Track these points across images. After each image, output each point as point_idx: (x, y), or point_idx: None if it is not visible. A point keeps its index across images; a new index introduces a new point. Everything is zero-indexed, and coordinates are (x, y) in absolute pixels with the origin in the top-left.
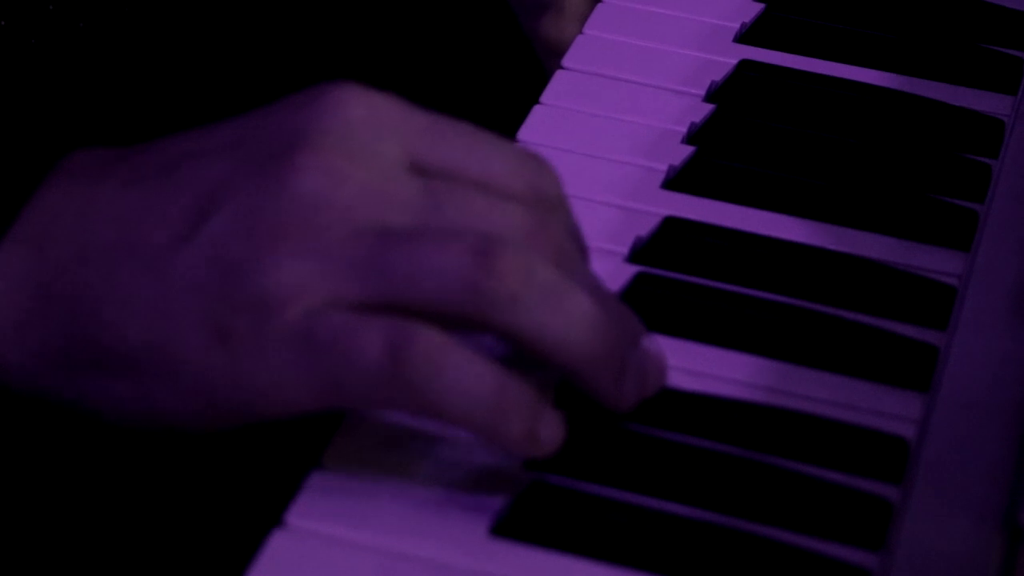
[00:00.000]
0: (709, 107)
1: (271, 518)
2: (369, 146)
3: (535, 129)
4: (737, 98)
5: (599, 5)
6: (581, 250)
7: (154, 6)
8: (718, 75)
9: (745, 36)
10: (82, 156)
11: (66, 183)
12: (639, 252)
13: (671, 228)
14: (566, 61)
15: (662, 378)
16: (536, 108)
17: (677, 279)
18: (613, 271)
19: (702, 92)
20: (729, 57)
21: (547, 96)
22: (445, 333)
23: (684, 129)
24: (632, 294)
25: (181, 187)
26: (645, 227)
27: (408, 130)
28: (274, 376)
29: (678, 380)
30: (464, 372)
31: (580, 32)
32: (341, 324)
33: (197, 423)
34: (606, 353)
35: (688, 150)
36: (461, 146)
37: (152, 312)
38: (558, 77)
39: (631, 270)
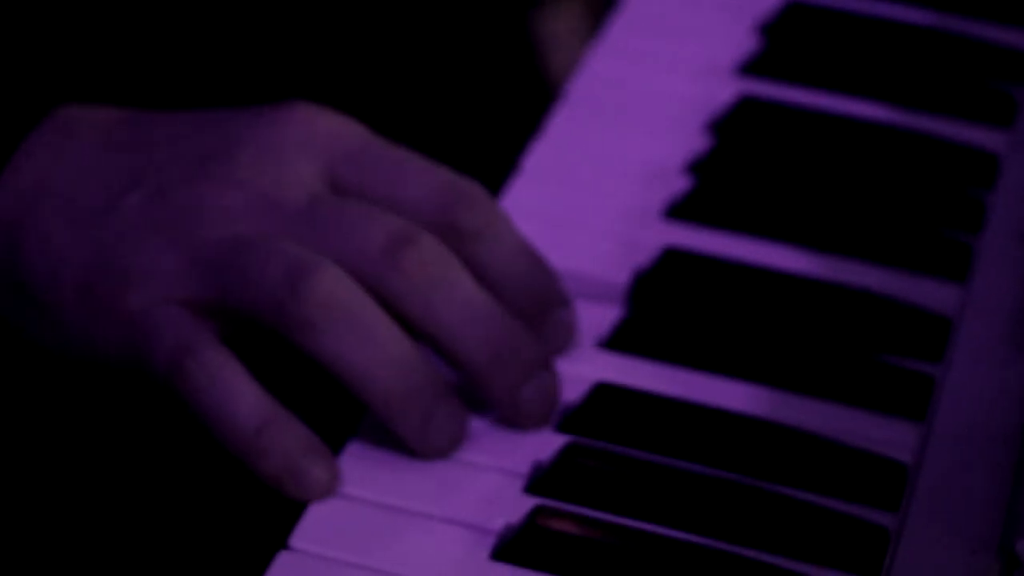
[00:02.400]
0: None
1: (276, 541)
2: (286, 161)
3: None
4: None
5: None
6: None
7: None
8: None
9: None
10: (70, 111)
11: (50, 135)
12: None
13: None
14: None
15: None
16: None
17: (677, 308)
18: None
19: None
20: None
21: None
22: (231, 358)
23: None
24: (632, 323)
25: (130, 167)
26: None
27: (336, 151)
28: (101, 335)
29: (678, 407)
30: (230, 397)
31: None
32: (159, 319)
33: (60, 350)
34: (406, 400)
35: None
36: (381, 171)
37: (55, 255)
38: None
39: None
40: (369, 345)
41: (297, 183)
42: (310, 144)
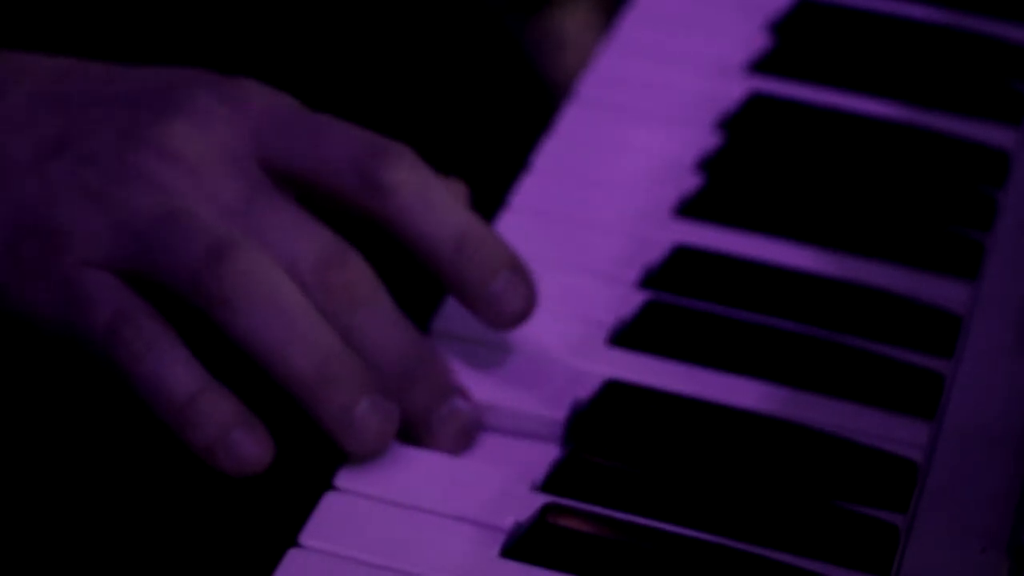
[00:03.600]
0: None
1: (287, 538)
2: (217, 134)
3: None
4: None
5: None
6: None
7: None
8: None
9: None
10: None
11: None
12: (651, 279)
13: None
14: None
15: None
16: None
17: (687, 306)
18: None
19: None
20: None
21: None
22: (167, 329)
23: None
24: (642, 320)
25: (61, 124)
26: None
27: (264, 125)
28: (33, 297)
29: (689, 405)
30: (162, 368)
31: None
32: (92, 284)
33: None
34: (324, 386)
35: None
36: (304, 137)
37: None
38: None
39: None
40: (285, 325)
41: (227, 162)
42: (242, 119)
